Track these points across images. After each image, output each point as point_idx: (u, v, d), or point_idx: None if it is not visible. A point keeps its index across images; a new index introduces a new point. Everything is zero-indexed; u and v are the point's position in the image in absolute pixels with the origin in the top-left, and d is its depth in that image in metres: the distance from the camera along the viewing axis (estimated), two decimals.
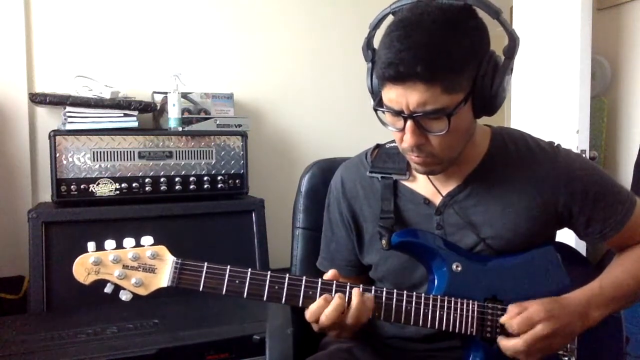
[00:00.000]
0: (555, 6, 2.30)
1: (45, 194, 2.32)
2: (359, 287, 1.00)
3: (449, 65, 0.91)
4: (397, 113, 0.96)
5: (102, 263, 0.95)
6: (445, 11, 0.93)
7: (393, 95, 0.94)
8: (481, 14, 0.97)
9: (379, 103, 1.01)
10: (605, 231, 1.11)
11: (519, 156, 1.11)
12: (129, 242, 0.96)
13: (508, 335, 1.01)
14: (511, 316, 1.01)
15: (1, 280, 2.25)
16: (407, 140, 0.97)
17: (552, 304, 1.02)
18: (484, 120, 1.13)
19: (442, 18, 0.92)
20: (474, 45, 0.95)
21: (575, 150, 2.18)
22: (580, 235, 1.15)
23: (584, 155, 2.15)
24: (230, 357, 1.73)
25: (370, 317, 1.00)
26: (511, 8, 2.48)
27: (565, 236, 1.19)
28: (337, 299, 0.97)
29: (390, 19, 1.00)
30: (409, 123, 0.95)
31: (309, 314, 0.98)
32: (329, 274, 1.02)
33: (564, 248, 1.15)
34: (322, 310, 0.97)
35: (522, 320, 0.99)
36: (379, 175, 1.16)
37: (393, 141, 1.18)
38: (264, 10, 2.81)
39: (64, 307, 1.97)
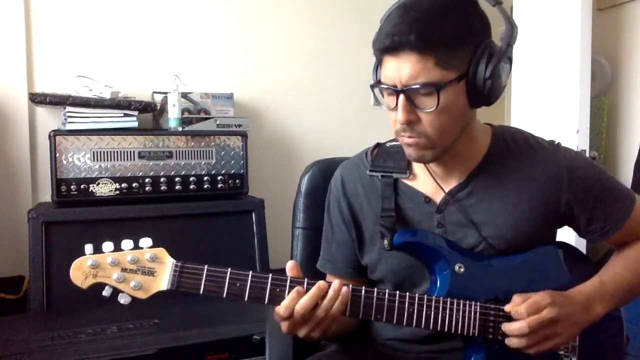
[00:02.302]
0: (555, 6, 2.29)
1: (45, 194, 2.32)
2: (339, 282, 0.99)
3: (443, 38, 0.93)
4: (392, 90, 0.98)
5: (100, 266, 0.93)
6: None
7: (388, 69, 0.97)
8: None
9: (376, 83, 1.03)
10: (606, 229, 1.11)
11: (521, 154, 1.11)
12: (127, 244, 0.95)
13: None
14: (516, 303, 1.01)
15: (1, 280, 2.25)
16: (398, 117, 0.98)
17: (555, 293, 1.02)
18: (485, 120, 1.14)
19: (442, 1, 0.96)
20: (470, 27, 0.97)
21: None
22: (581, 233, 1.15)
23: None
24: (230, 357, 1.73)
25: (343, 313, 0.98)
26: (511, 8, 2.47)
27: (565, 235, 1.19)
28: (314, 289, 0.96)
29: None
30: (401, 98, 0.97)
31: (282, 309, 0.96)
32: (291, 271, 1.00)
33: (565, 247, 1.15)
34: (296, 301, 0.96)
35: (530, 304, 0.99)
36: (379, 174, 1.15)
37: (393, 140, 1.18)
38: (264, 10, 2.80)
39: (64, 307, 1.98)
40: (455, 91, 0.97)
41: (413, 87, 0.95)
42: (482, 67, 0.97)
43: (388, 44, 0.95)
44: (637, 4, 2.42)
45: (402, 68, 0.95)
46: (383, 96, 1.03)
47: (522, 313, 0.99)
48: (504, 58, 0.98)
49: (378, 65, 1.04)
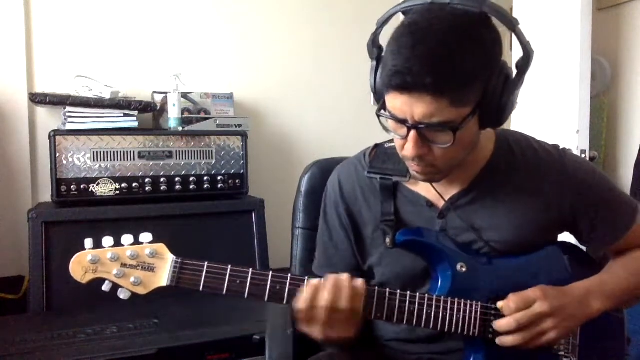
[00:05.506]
0: (555, 6, 2.30)
1: (45, 194, 2.32)
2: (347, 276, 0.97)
3: (459, 79, 0.87)
4: (401, 121, 0.92)
5: (100, 261, 0.93)
6: (458, 18, 0.89)
7: (398, 103, 0.91)
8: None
9: (382, 107, 0.97)
10: (607, 237, 1.10)
11: (525, 160, 1.10)
12: (127, 239, 0.94)
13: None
14: (508, 299, 1.00)
15: (1, 280, 2.25)
16: (408, 150, 0.94)
17: (548, 287, 1.01)
18: None
19: (455, 26, 0.88)
20: (486, 57, 0.91)
21: (575, 151, 2.19)
22: (582, 240, 1.14)
23: (584, 157, 2.15)
24: (230, 357, 1.73)
25: (362, 305, 0.97)
26: (511, 8, 2.48)
27: (567, 236, 1.19)
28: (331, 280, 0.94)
29: (397, 17, 0.96)
30: (412, 133, 0.92)
31: (302, 302, 0.94)
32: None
33: (569, 247, 1.15)
34: (316, 294, 0.93)
35: (519, 299, 0.98)
36: (378, 176, 1.12)
37: (391, 141, 1.14)
38: (263, 10, 2.81)
39: (64, 307, 1.97)
40: (469, 124, 0.93)
41: (426, 125, 0.90)
42: (496, 97, 0.92)
43: (399, 83, 0.88)
44: (637, 4, 2.42)
45: (414, 106, 0.89)
46: (387, 120, 0.97)
47: (511, 308, 0.98)
48: (518, 85, 0.95)
49: (377, 72, 0.98)
